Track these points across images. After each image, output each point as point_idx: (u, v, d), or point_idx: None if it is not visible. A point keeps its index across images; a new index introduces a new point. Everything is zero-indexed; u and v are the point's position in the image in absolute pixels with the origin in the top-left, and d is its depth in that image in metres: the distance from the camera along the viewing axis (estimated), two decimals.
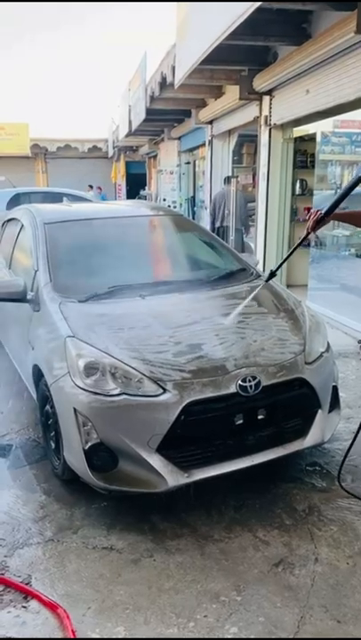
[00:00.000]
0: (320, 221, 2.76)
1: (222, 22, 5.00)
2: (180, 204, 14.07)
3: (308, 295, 6.83)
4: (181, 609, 2.20)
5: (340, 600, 2.23)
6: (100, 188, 17.57)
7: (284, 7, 5.21)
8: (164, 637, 2.08)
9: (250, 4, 4.30)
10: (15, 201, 10.44)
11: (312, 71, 5.82)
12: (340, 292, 6.53)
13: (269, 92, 7.13)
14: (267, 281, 3.37)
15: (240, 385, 2.70)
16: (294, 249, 3.16)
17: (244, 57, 6.85)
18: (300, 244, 3.06)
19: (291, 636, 2.07)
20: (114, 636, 2.07)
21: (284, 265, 7.70)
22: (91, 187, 17.37)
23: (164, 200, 14.72)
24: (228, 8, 4.79)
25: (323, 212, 2.75)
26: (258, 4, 4.23)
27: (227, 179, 9.30)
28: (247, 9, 4.40)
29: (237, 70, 7.35)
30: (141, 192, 18.71)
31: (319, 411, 3.00)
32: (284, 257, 3.37)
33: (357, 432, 2.83)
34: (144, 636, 2.08)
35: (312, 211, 2.82)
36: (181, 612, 2.18)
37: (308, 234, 2.85)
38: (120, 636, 2.07)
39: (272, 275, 3.28)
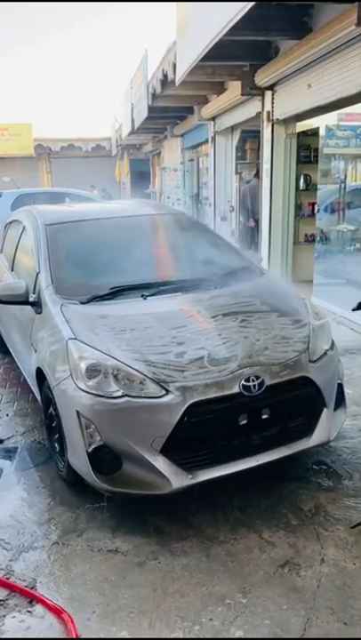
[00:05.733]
0: None
1: (222, 18, 4.95)
2: (185, 202, 14.02)
3: (313, 291, 6.79)
4: (187, 612, 2.18)
5: (346, 601, 2.21)
6: (93, 187, 17.37)
7: (283, 2, 5.17)
8: (168, 638, 2.06)
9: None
10: (19, 202, 10.46)
11: (313, 65, 5.76)
12: (346, 287, 6.47)
13: (271, 87, 7.07)
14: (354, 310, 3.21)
15: (243, 385, 2.68)
16: None
17: (245, 52, 6.79)
18: None
19: (297, 637, 2.05)
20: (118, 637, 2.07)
21: (290, 260, 7.69)
22: (93, 187, 17.32)
23: (168, 198, 14.68)
24: (228, 3, 4.74)
25: None
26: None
27: (256, 173, 8.99)
28: (246, 4, 4.35)
29: (239, 66, 7.29)
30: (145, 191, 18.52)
31: (324, 409, 2.97)
32: None
33: None
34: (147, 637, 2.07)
35: None
36: (187, 615, 2.17)
37: None
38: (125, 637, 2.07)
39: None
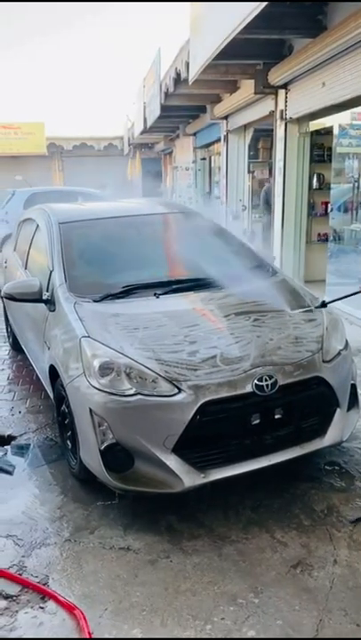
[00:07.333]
0: None
1: (236, 16, 4.94)
2: (197, 201, 14.00)
3: (326, 291, 6.74)
4: (198, 611, 2.18)
5: (359, 603, 2.19)
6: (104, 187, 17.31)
7: (298, 0, 5.14)
8: (180, 638, 2.06)
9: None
10: (32, 200, 10.51)
11: (328, 63, 5.72)
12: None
13: (285, 86, 7.04)
14: (318, 307, 3.26)
15: (256, 384, 2.67)
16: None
17: (259, 51, 6.77)
18: None
19: (309, 638, 2.04)
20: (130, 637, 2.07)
21: (302, 260, 7.66)
22: (104, 187, 17.31)
23: (180, 197, 14.68)
24: (242, 2, 4.73)
25: None
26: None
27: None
28: (260, 3, 4.34)
29: (252, 64, 7.27)
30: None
31: (338, 409, 2.96)
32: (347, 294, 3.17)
33: None
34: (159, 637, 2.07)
35: None
36: (198, 614, 2.16)
37: None
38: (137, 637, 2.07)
39: (323, 305, 3.22)
